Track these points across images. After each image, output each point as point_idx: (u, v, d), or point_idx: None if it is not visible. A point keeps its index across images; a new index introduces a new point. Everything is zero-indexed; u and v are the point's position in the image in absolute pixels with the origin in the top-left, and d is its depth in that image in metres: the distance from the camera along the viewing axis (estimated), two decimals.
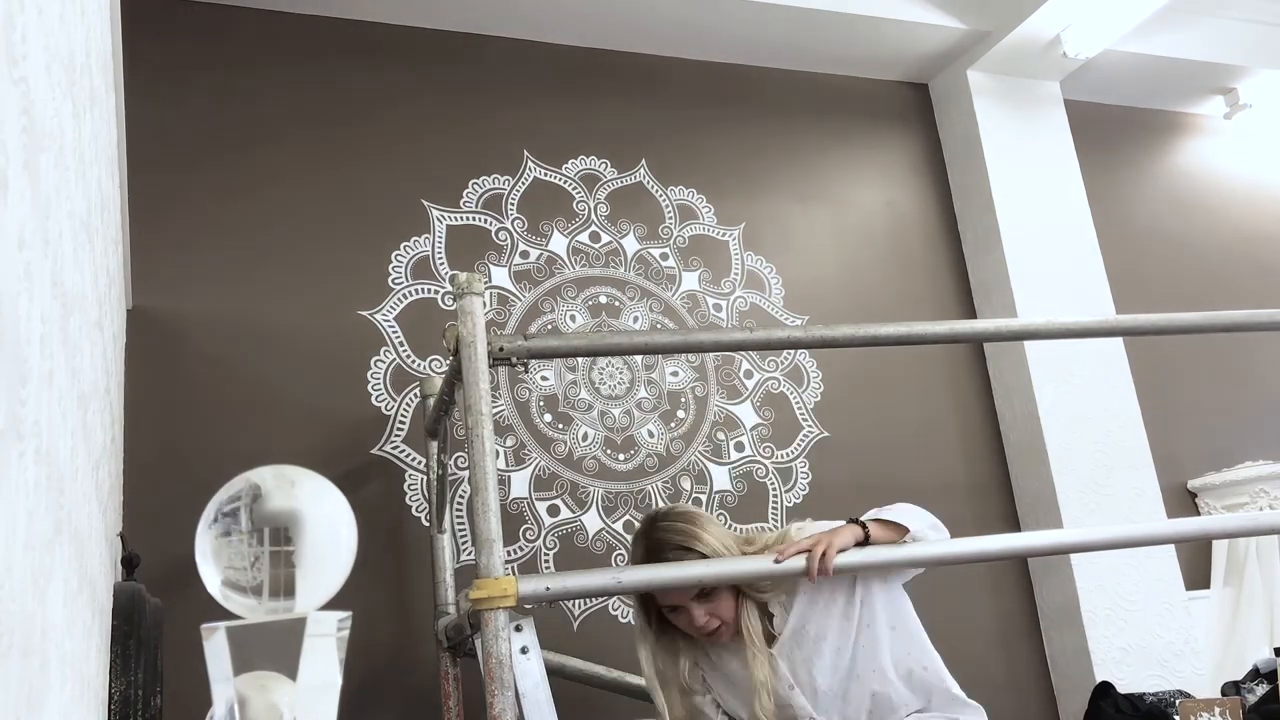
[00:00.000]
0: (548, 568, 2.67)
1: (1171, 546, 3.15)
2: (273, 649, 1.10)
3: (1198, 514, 3.39)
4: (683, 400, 2.95)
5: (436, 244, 2.86)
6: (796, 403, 3.07)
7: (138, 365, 2.42)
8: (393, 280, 2.78)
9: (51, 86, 0.82)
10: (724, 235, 3.19)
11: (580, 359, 2.87)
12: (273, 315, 2.63)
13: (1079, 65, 3.53)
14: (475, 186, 2.96)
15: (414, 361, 2.72)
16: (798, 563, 1.77)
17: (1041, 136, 3.53)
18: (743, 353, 3.04)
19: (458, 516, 2.60)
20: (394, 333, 2.72)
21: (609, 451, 2.82)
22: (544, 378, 2.83)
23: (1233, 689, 2.59)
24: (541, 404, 2.81)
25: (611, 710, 2.48)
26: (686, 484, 2.86)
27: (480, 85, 3.06)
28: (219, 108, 2.75)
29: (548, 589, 1.68)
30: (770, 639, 1.86)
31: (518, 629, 1.98)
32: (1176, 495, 3.40)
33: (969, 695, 1.90)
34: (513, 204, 2.98)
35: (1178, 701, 2.21)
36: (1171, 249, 3.83)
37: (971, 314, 3.39)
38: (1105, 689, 2.59)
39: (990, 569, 3.08)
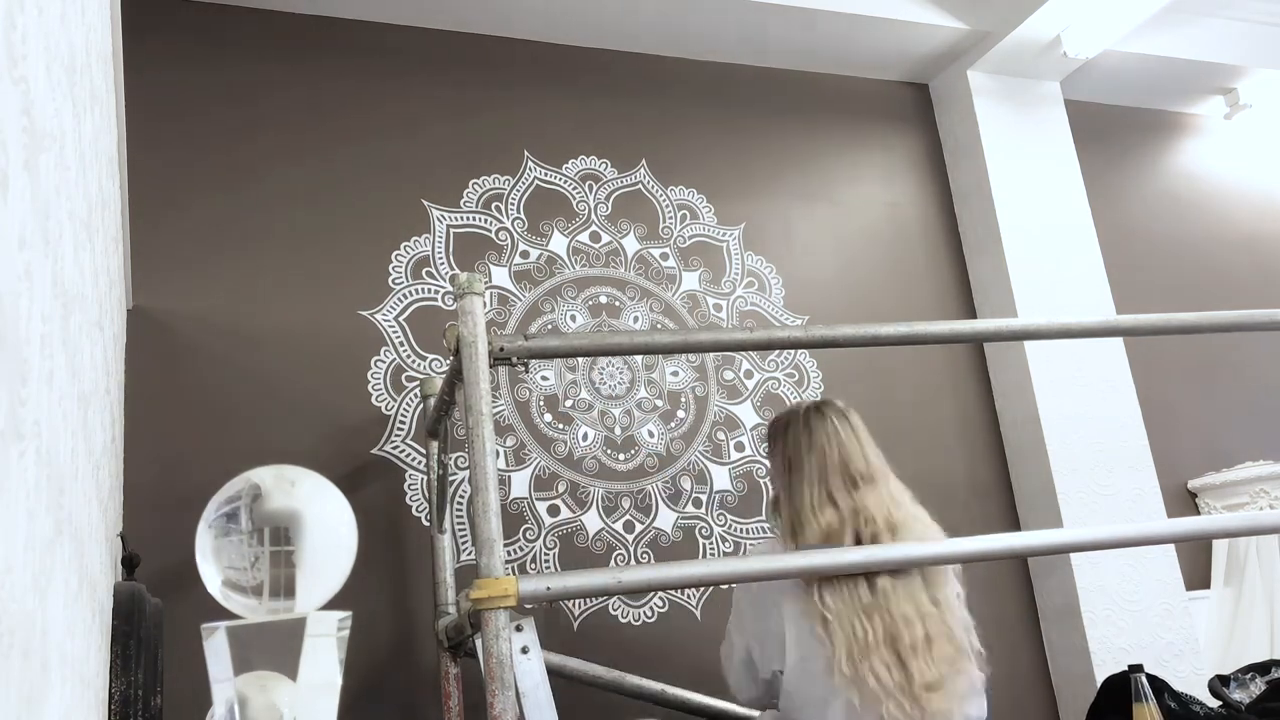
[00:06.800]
0: (548, 568, 2.67)
1: (1171, 546, 3.14)
2: (273, 649, 1.10)
3: (1198, 514, 3.38)
4: (683, 400, 2.95)
5: (437, 244, 2.86)
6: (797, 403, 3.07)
7: (138, 365, 2.42)
8: (393, 280, 2.78)
9: (52, 86, 0.82)
10: (724, 235, 3.19)
11: (580, 359, 2.87)
12: (273, 315, 2.63)
13: (1079, 65, 3.53)
14: (475, 186, 2.96)
15: (414, 361, 2.72)
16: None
17: (1041, 137, 3.53)
18: (743, 353, 3.04)
19: (458, 516, 2.60)
20: (394, 333, 2.72)
21: (609, 451, 2.82)
22: (544, 378, 2.83)
23: (1221, 683, 2.58)
24: (542, 404, 2.81)
25: (611, 710, 2.48)
26: (687, 484, 2.86)
27: (480, 85, 3.06)
28: (219, 108, 2.75)
29: (548, 589, 1.68)
30: None
31: (518, 629, 1.98)
32: (1176, 495, 3.40)
33: None
34: (513, 204, 2.98)
35: None
36: (1171, 249, 3.83)
37: (971, 314, 3.39)
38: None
39: (990, 569, 3.08)
